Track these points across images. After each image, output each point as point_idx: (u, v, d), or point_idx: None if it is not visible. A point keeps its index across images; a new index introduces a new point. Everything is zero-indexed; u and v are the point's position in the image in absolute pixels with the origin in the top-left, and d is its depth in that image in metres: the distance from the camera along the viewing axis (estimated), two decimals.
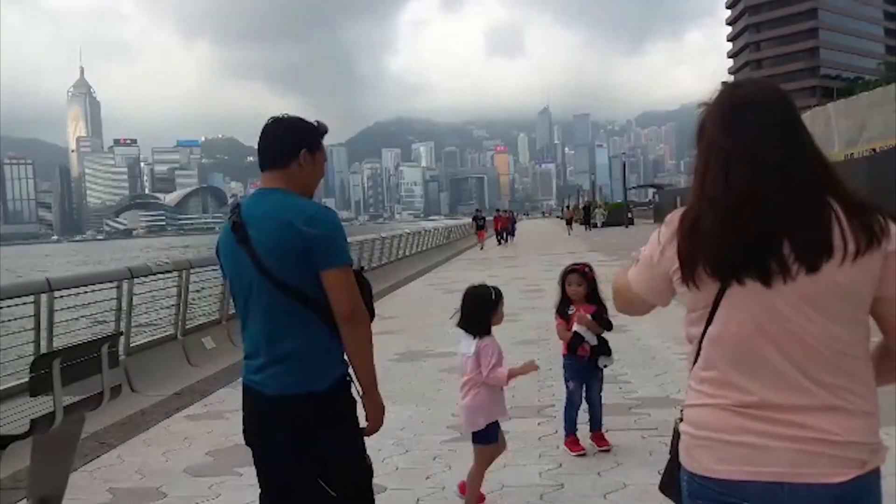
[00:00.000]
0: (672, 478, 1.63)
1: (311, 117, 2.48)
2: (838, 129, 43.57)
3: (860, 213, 1.40)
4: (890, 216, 1.42)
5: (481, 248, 31.20)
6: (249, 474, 4.61)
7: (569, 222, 48.72)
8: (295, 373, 2.28)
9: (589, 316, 4.49)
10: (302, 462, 2.29)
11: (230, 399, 6.68)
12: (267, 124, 2.44)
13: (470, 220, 36.50)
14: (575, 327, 4.46)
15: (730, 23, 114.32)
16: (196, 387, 7.24)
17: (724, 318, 1.44)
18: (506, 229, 36.32)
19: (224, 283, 9.11)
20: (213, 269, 9.38)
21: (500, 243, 34.61)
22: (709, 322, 1.47)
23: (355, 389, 2.39)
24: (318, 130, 2.47)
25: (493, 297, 3.72)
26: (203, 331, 8.61)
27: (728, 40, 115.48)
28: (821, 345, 1.40)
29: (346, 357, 2.35)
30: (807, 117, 37.70)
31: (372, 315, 2.37)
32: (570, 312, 4.54)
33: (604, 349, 4.52)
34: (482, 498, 3.84)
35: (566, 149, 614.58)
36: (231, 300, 9.00)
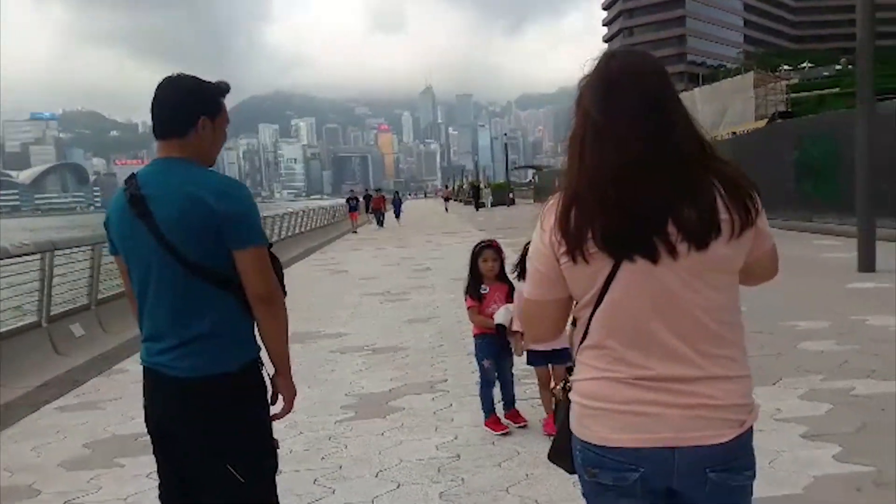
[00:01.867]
0: (561, 447, 1.67)
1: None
2: (702, 113, 46.31)
3: (737, 190, 1.47)
4: (757, 191, 1.51)
5: (354, 232, 29.56)
6: (131, 465, 4.43)
7: (446, 199, 56.89)
8: (205, 354, 2.15)
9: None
10: (212, 447, 2.17)
11: (106, 388, 6.31)
12: (160, 87, 2.24)
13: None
14: (499, 319, 4.33)
15: (605, 7, 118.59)
16: (66, 377, 6.77)
17: (616, 295, 1.47)
18: (379, 210, 34.30)
19: (92, 264, 8.58)
20: (80, 250, 8.80)
21: (379, 226, 32.70)
22: (600, 299, 1.49)
23: (265, 372, 2.30)
24: (219, 92, 2.28)
25: None
26: (71, 317, 8.06)
27: (603, 24, 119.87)
28: (707, 317, 1.48)
29: (256, 338, 2.25)
30: None
31: (284, 294, 2.27)
32: (482, 292, 4.47)
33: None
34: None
35: (450, 129, 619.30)
36: (100, 284, 8.65)
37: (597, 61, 1.54)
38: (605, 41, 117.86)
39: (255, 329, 2.24)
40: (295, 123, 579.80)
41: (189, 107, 2.20)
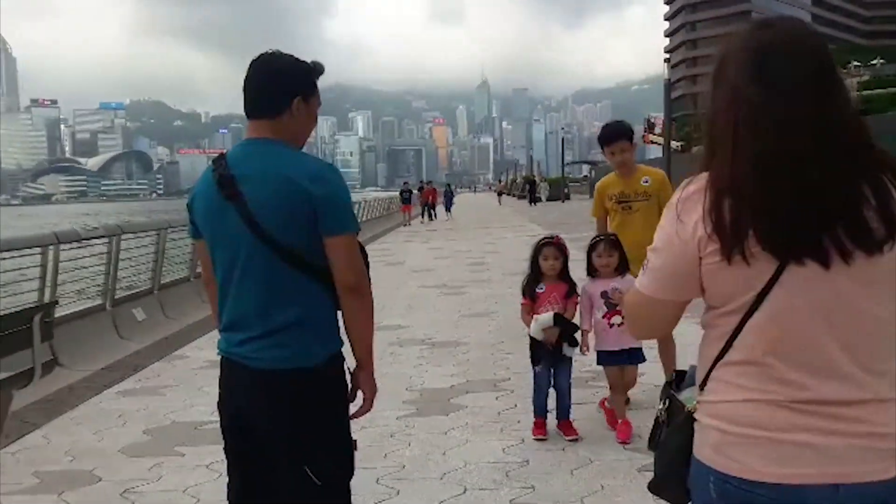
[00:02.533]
0: (667, 476, 1.45)
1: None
2: None
3: None
4: None
5: (406, 225, 29.26)
6: (192, 455, 4.36)
7: (499, 194, 58.59)
8: (292, 345, 2.02)
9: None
10: (292, 445, 2.04)
11: (166, 374, 6.31)
12: (254, 64, 2.11)
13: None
14: (532, 332, 4.14)
15: (667, 1, 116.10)
16: (127, 361, 6.81)
17: (778, 303, 1.25)
18: (429, 203, 33.25)
19: (156, 249, 8.67)
20: (144, 236, 8.92)
21: (423, 220, 31.63)
22: (754, 307, 1.27)
23: (346, 367, 2.15)
24: (315, 72, 2.15)
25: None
26: (134, 301, 8.14)
27: (665, 19, 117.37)
28: (882, 330, 1.26)
29: (341, 331, 2.11)
30: None
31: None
32: (538, 291, 4.24)
33: (568, 336, 4.16)
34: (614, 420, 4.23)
35: (504, 123, 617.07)
36: (161, 269, 8.75)
37: (745, 29, 1.33)
38: (667, 35, 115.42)
39: (340, 321, 2.10)
40: (353, 116, 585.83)
41: (284, 86, 2.08)
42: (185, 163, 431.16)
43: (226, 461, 2.22)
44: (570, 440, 4.15)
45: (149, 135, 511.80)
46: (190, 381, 5.90)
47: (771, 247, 1.22)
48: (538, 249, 4.25)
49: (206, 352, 7.04)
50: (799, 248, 1.22)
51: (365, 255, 2.14)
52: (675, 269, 1.34)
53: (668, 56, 43.10)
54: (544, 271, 4.22)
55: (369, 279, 2.13)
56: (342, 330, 2.12)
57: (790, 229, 1.22)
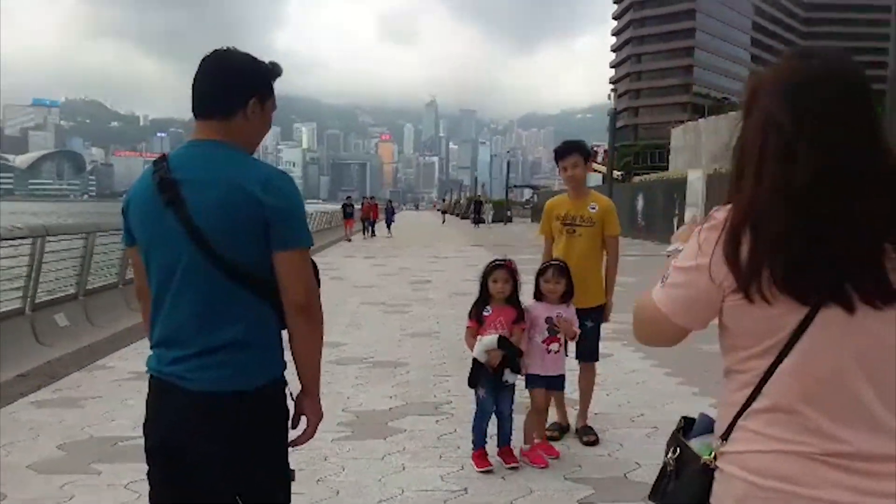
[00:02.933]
0: None
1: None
2: (706, 145, 46.47)
3: None
4: None
5: (348, 240, 28.34)
6: (109, 473, 4.07)
7: (444, 213, 60.42)
8: (231, 366, 1.84)
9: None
10: (225, 473, 1.86)
11: (87, 384, 5.96)
12: (207, 60, 1.94)
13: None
14: (475, 353, 4.03)
15: (615, 33, 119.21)
16: (45, 368, 6.41)
17: (810, 347, 1.17)
18: (369, 219, 32.10)
19: (83, 253, 8.24)
20: (71, 238, 8.49)
21: (365, 236, 30.89)
22: (786, 350, 1.19)
23: (289, 391, 1.99)
24: (273, 74, 2.00)
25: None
26: (56, 306, 7.70)
27: (612, 50, 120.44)
28: None
29: (285, 352, 1.95)
30: (679, 131, 39.57)
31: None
32: (484, 314, 4.12)
33: (512, 363, 4.04)
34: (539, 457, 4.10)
35: (450, 143, 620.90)
36: (89, 273, 8.34)
37: (784, 59, 1.29)
38: (612, 66, 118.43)
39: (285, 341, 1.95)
40: (297, 127, 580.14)
41: (239, 85, 1.92)
42: (121, 165, 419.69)
43: (148, 486, 2.03)
44: (509, 468, 4.04)
45: (83, 135, 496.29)
46: (112, 394, 5.58)
47: (787, 290, 1.15)
48: (489, 272, 4.14)
49: (131, 362, 6.69)
50: (817, 292, 1.15)
51: (317, 272, 1.98)
52: (695, 298, 1.28)
53: (614, 87, 44.18)
54: (493, 294, 4.11)
55: (319, 298, 1.97)
56: (286, 351, 1.96)
57: (805, 273, 1.15)
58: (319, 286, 1.97)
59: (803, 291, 1.16)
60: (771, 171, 1.19)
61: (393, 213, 37.66)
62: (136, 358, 6.92)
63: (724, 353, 1.31)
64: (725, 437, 1.28)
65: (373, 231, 32.14)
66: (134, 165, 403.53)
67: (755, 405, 1.23)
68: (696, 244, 1.26)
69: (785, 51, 1.34)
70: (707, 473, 1.29)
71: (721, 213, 1.25)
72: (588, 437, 4.47)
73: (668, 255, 1.48)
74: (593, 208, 4.60)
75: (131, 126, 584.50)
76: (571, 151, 4.63)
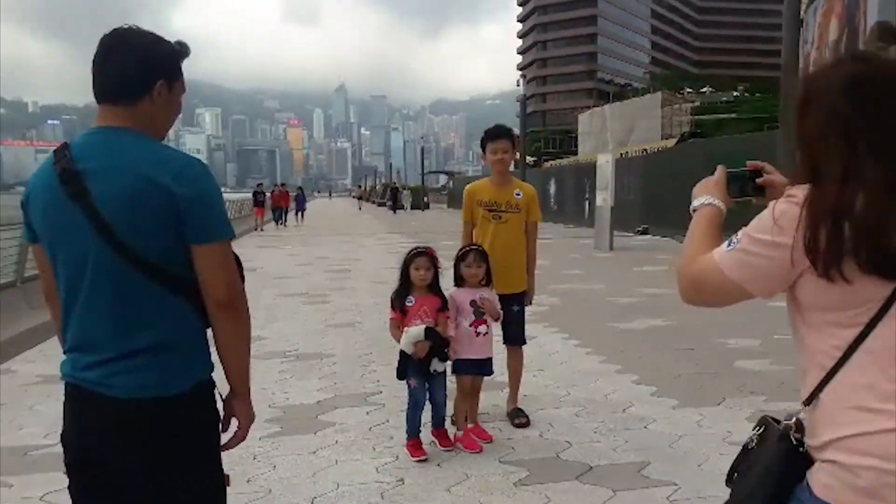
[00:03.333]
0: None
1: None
2: (612, 130, 47.90)
3: None
4: None
5: (260, 230, 27.20)
6: (21, 485, 3.81)
7: (359, 199, 60.68)
8: (151, 370, 1.73)
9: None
10: (154, 484, 1.76)
11: None
12: (108, 40, 1.80)
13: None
14: (402, 346, 4.02)
15: (520, 20, 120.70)
16: None
17: None
18: (281, 207, 30.98)
19: None
20: None
21: (277, 226, 29.95)
22: (872, 324, 1.22)
23: (217, 393, 1.90)
24: (181, 54, 1.88)
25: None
26: None
27: (518, 37, 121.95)
28: None
29: (211, 353, 1.85)
30: (586, 117, 40.57)
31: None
32: (407, 304, 4.09)
33: (439, 352, 4.03)
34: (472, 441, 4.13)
35: (362, 129, 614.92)
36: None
37: (833, 61, 1.35)
38: (520, 53, 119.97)
39: (210, 341, 1.85)
40: (200, 112, 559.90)
41: (144, 67, 1.78)
42: (9, 155, 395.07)
43: (71, 500, 1.91)
44: (445, 450, 4.08)
45: None
46: (18, 400, 5.24)
47: (873, 273, 1.20)
48: (410, 259, 4.11)
49: (37, 365, 6.32)
50: None
51: (240, 266, 1.89)
52: (770, 272, 1.30)
53: (523, 73, 44.58)
54: (414, 282, 4.08)
55: (244, 293, 1.88)
56: (212, 351, 1.87)
57: (893, 260, 1.20)
58: (244, 280, 1.88)
59: (891, 273, 1.21)
60: (857, 168, 1.24)
61: (304, 201, 36.63)
62: (41, 360, 6.54)
63: (802, 325, 1.32)
64: (808, 402, 1.29)
65: (284, 220, 31.28)
66: (23, 155, 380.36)
67: (850, 377, 1.24)
68: (771, 217, 1.28)
69: (842, 55, 1.39)
70: (784, 443, 1.29)
71: (799, 192, 1.28)
72: (520, 419, 4.54)
73: (695, 210, 1.50)
74: (518, 195, 4.62)
75: (18, 113, 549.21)
76: (503, 136, 4.61)
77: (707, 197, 1.50)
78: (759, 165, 1.57)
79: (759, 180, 1.56)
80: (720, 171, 1.56)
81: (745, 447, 1.40)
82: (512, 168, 5.29)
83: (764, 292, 1.33)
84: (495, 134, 4.64)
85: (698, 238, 1.44)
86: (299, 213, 34.12)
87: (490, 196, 4.61)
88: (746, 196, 1.57)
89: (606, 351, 6.49)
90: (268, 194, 31.20)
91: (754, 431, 1.40)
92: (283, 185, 36.48)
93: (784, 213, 1.28)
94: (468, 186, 4.81)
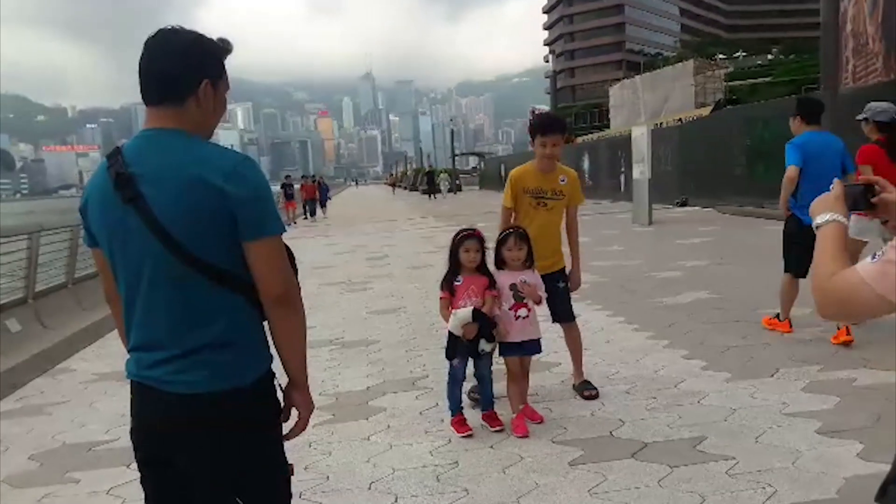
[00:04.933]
0: None
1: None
2: (644, 101, 47.11)
3: None
4: None
5: (292, 224, 25.33)
6: (88, 480, 3.95)
7: (393, 185, 61.04)
8: (213, 366, 1.77)
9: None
10: (220, 476, 1.80)
11: (50, 390, 5.77)
12: (152, 42, 1.81)
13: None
14: (450, 327, 4.06)
15: None
16: (4, 378, 6.16)
17: None
18: (313, 200, 29.92)
19: (29, 254, 7.92)
20: (13, 241, 8.15)
21: (306, 218, 28.92)
22: None
23: (278, 384, 1.93)
24: (223, 51, 1.88)
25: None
26: (5, 312, 7.40)
27: (544, 12, 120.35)
28: None
29: (270, 346, 1.88)
30: (616, 89, 39.77)
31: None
32: (455, 284, 4.15)
33: (486, 332, 4.08)
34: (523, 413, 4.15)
35: (390, 115, 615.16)
36: (36, 274, 8.02)
37: None
38: (546, 28, 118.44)
39: (268, 335, 1.88)
40: (231, 108, 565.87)
41: (190, 67, 1.80)
42: (52, 160, 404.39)
43: (143, 494, 1.97)
44: (495, 431, 4.11)
45: (8, 131, 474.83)
46: (79, 397, 5.41)
47: None
48: (459, 242, 4.16)
49: (93, 363, 6.51)
50: None
51: (292, 259, 1.92)
52: None
53: (552, 48, 43.78)
54: (464, 264, 4.14)
55: (299, 286, 1.91)
56: (271, 344, 1.90)
57: None
58: (297, 273, 1.91)
59: None
60: None
61: (327, 191, 34.42)
62: (96, 359, 6.73)
63: None
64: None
65: (313, 212, 30.08)
66: (66, 160, 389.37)
67: None
68: None
69: None
70: None
71: None
72: (588, 391, 4.57)
73: (818, 227, 1.50)
74: (563, 181, 4.58)
75: (59, 119, 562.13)
76: (556, 129, 4.52)
77: (830, 213, 1.51)
78: (874, 180, 1.60)
79: (873, 199, 1.59)
80: (838, 185, 1.57)
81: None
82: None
83: None
84: (548, 126, 4.51)
85: (831, 255, 1.45)
86: (323, 205, 32.16)
87: (536, 183, 4.55)
88: (859, 210, 1.60)
89: (652, 326, 6.43)
90: (296, 186, 30.07)
91: None
92: (312, 176, 34.94)
93: None
94: (513, 172, 4.71)
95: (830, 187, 1.57)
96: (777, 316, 5.96)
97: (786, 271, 5.83)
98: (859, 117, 5.86)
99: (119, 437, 4.23)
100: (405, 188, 64.50)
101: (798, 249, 5.38)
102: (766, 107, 19.94)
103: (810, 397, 4.33)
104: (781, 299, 5.89)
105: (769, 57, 68.10)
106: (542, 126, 4.53)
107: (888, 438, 3.60)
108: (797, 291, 5.75)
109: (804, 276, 5.39)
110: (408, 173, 79.33)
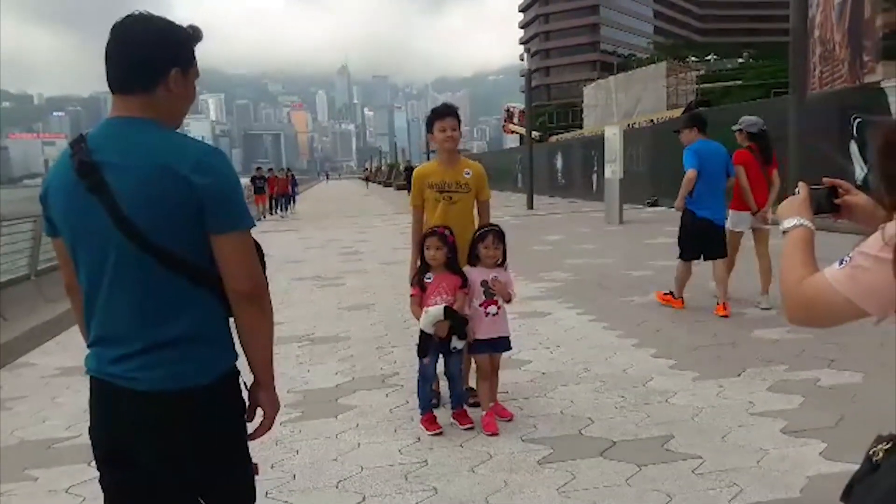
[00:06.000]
0: None
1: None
2: (617, 102, 47.45)
3: None
4: None
5: (262, 218, 24.77)
6: (46, 478, 3.85)
7: (367, 180, 61.27)
8: (177, 363, 1.72)
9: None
10: (184, 476, 1.76)
11: (10, 384, 5.62)
12: (121, 27, 1.75)
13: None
14: (422, 325, 4.04)
15: None
16: None
17: None
18: (282, 195, 28.49)
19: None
20: None
21: (272, 212, 27.46)
22: None
23: (242, 382, 1.88)
24: (193, 38, 1.83)
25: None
26: None
27: (520, 10, 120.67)
28: None
29: (235, 343, 1.83)
30: (591, 89, 39.94)
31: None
32: (426, 281, 4.14)
33: (458, 330, 4.07)
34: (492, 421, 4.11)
35: (366, 110, 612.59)
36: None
37: None
38: (521, 27, 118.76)
39: (233, 331, 1.83)
40: (203, 99, 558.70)
41: (159, 54, 1.74)
42: (17, 148, 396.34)
43: (103, 493, 1.91)
44: (465, 429, 4.10)
45: None
46: (40, 392, 5.27)
47: None
48: (423, 239, 4.18)
49: (55, 357, 6.36)
50: None
51: (261, 255, 1.87)
52: (879, 284, 1.27)
53: (528, 47, 43.92)
54: (428, 261, 4.14)
55: (267, 282, 1.86)
56: (236, 341, 1.85)
57: None
58: (265, 269, 1.86)
59: None
60: None
61: (295, 185, 32.29)
62: (59, 353, 6.58)
63: None
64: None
65: (283, 207, 28.78)
66: (32, 148, 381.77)
67: None
68: (881, 238, 1.27)
69: None
70: None
71: None
72: (474, 398, 4.46)
73: (785, 231, 1.50)
74: (468, 174, 4.52)
75: (24, 105, 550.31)
76: (450, 114, 4.50)
77: (797, 218, 1.51)
78: (837, 183, 1.61)
79: (837, 200, 1.60)
80: (804, 188, 1.57)
81: (867, 458, 1.37)
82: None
83: (877, 309, 1.31)
84: (443, 112, 4.52)
85: (800, 260, 1.44)
86: (294, 201, 30.88)
87: (439, 177, 4.49)
88: (823, 212, 1.61)
89: (623, 325, 6.46)
90: (267, 179, 27.98)
91: (880, 446, 1.36)
92: (285, 170, 32.30)
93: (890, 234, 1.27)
94: (416, 170, 4.72)
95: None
96: (671, 293, 7.16)
97: (679, 257, 7.05)
98: (734, 128, 7.09)
99: (80, 433, 4.13)
100: (380, 183, 64.66)
101: (691, 239, 6.90)
102: (737, 109, 20.17)
103: (776, 397, 4.38)
104: (676, 280, 7.09)
105: (740, 61, 68.98)
106: (436, 113, 4.54)
107: (851, 438, 3.66)
108: (690, 273, 7.05)
109: (696, 260, 6.95)
110: (382, 168, 79.35)
